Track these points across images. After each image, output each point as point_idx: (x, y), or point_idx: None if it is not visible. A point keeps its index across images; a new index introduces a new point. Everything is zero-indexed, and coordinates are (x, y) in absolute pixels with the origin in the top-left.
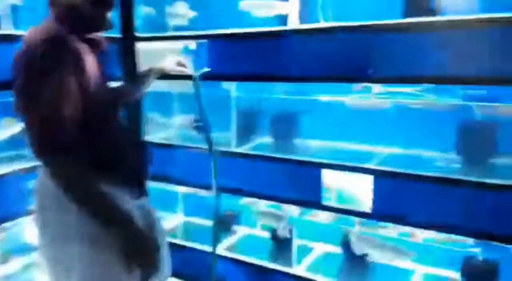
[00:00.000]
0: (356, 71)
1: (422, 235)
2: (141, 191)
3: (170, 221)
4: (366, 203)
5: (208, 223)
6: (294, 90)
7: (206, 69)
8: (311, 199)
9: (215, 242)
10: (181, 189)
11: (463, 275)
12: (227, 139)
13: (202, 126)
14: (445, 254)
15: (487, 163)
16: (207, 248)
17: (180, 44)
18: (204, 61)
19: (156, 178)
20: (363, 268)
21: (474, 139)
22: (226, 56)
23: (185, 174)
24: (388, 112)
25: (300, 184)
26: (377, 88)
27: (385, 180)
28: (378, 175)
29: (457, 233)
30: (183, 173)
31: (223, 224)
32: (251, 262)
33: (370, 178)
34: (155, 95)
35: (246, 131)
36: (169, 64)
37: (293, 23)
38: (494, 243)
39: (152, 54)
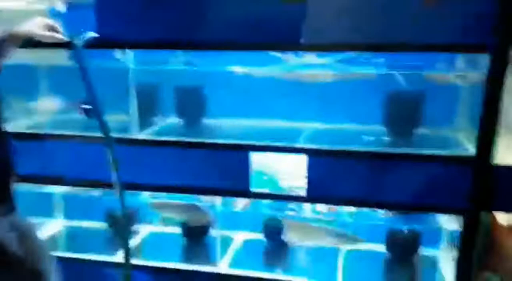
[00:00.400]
0: (275, 37)
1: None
2: (8, 204)
3: (49, 228)
4: (299, 186)
5: (98, 225)
6: (203, 61)
7: (92, 34)
8: (239, 187)
9: (127, 252)
10: (59, 189)
11: (387, 247)
12: (125, 123)
13: (92, 109)
14: (369, 229)
15: (415, 133)
16: (103, 258)
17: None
18: (86, 24)
19: (25, 179)
20: (288, 253)
21: (400, 110)
22: (118, 16)
23: (67, 170)
24: (307, 85)
25: (224, 171)
26: (292, 59)
27: (319, 160)
28: (312, 154)
29: (388, 208)
30: (63, 169)
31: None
32: (162, 267)
33: (303, 158)
34: (16, 70)
35: (148, 112)
36: (35, 27)
37: None
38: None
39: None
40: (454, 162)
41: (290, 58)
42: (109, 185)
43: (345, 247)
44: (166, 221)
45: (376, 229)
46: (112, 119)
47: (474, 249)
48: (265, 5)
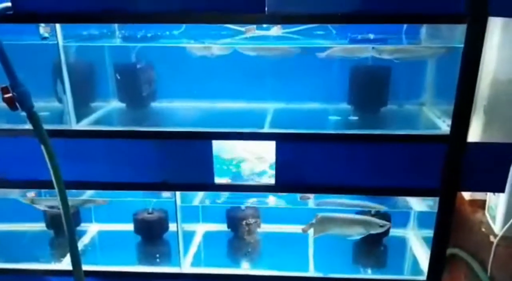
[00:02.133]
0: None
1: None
2: None
3: None
4: (268, 175)
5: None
6: (142, 35)
7: (6, 5)
8: (202, 179)
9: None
10: None
11: None
12: (58, 111)
13: (18, 96)
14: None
15: (382, 111)
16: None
17: None
18: None
19: None
20: (255, 243)
21: (365, 86)
22: None
23: None
24: (266, 61)
25: (183, 164)
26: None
27: (287, 145)
28: (280, 139)
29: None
30: None
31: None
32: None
33: (271, 144)
34: None
35: (85, 97)
36: None
37: None
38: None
39: None
40: (428, 141)
41: (249, 30)
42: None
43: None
44: None
45: (343, 212)
46: (42, 107)
47: (449, 229)
48: None
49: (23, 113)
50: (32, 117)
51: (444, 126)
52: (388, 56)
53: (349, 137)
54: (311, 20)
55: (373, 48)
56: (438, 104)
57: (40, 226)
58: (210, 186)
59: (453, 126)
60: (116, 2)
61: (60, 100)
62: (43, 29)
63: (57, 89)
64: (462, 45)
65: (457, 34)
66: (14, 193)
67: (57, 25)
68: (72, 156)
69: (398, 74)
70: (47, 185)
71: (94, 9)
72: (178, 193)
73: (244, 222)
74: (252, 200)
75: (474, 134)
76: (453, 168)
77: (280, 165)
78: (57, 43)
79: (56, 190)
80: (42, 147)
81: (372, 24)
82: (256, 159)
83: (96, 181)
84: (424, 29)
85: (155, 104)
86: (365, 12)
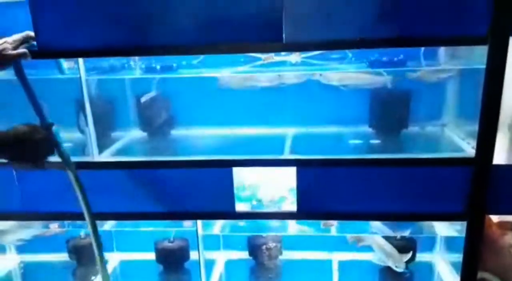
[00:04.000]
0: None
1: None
2: None
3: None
4: (289, 201)
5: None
6: (162, 65)
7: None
8: (222, 208)
9: None
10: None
11: None
12: (81, 142)
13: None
14: None
15: (403, 133)
16: None
17: None
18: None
19: None
20: (277, 270)
21: (386, 109)
22: (60, 17)
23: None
24: (285, 86)
25: (205, 191)
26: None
27: (308, 171)
28: (301, 165)
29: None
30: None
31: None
32: None
33: (292, 171)
34: None
35: (107, 127)
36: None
37: None
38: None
39: None
40: (453, 164)
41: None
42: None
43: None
44: None
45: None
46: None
47: (478, 253)
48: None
49: None
50: (60, 149)
51: (468, 148)
52: (336, 83)
53: (371, 162)
54: (328, 47)
55: (320, 75)
56: (460, 125)
57: (62, 256)
58: (231, 215)
59: (478, 149)
60: (136, 36)
61: (82, 131)
62: (66, 63)
63: (79, 121)
64: (482, 66)
65: (476, 54)
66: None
67: (80, 60)
68: (95, 187)
69: (418, 96)
70: (74, 216)
71: (116, 43)
72: (199, 222)
73: (264, 247)
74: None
75: (500, 152)
76: (480, 192)
77: (301, 192)
78: (80, 77)
79: (87, 221)
80: (72, 180)
81: (392, 48)
82: (277, 185)
83: (119, 212)
84: (442, 50)
85: (175, 132)
86: (383, 36)
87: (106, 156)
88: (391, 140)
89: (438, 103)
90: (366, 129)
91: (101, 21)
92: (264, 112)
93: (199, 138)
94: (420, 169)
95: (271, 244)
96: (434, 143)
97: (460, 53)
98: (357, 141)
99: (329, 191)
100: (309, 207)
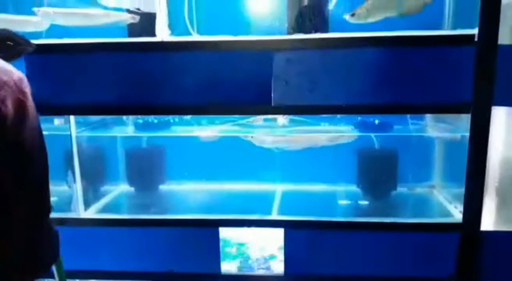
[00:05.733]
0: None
1: None
2: None
3: None
4: (278, 259)
5: None
6: (152, 122)
7: None
8: (207, 268)
9: None
10: None
11: None
12: (67, 196)
13: None
14: None
15: (391, 194)
16: None
17: None
18: None
19: None
20: None
21: (373, 170)
22: (52, 76)
23: None
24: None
25: (189, 251)
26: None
27: (296, 233)
28: (289, 227)
29: None
30: None
31: None
32: None
33: (279, 232)
34: None
35: (95, 182)
36: None
37: (163, 33)
38: None
39: None
40: (440, 230)
41: (256, 119)
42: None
43: None
44: None
45: None
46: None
47: None
48: (226, 65)
49: None
50: None
51: (456, 212)
52: (269, 145)
53: (360, 226)
54: (315, 111)
55: (251, 137)
56: (448, 187)
57: None
58: (216, 277)
59: (465, 214)
60: (129, 97)
61: (70, 186)
62: (57, 120)
63: (68, 176)
64: (467, 134)
65: (462, 119)
66: None
67: (71, 117)
68: (79, 244)
69: (405, 158)
70: None
71: (107, 101)
72: None
73: None
74: None
75: (488, 216)
76: (467, 258)
77: (289, 254)
78: (70, 134)
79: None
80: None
81: (378, 114)
82: (265, 243)
83: (102, 270)
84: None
85: (163, 187)
86: (370, 103)
87: (92, 212)
88: (380, 202)
89: (426, 164)
90: (354, 188)
91: (93, 81)
92: (253, 168)
93: (187, 193)
94: (409, 233)
95: None
96: (422, 206)
97: (446, 117)
98: (345, 202)
99: (316, 253)
100: (297, 270)
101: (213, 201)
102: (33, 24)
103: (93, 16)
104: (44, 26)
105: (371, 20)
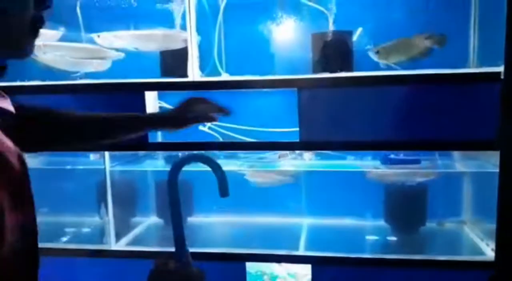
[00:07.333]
0: None
1: None
2: None
3: None
4: None
5: None
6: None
7: None
8: None
9: None
10: None
11: None
12: (98, 227)
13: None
14: None
15: (420, 230)
16: None
17: None
18: None
19: None
20: None
21: (402, 205)
22: None
23: None
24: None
25: None
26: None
27: (324, 269)
28: (316, 263)
29: None
30: None
31: None
32: None
33: (307, 268)
34: None
35: (126, 214)
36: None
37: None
38: None
39: None
40: (471, 268)
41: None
42: None
43: None
44: None
45: None
46: (84, 222)
47: None
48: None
49: None
50: None
51: (488, 250)
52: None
53: (388, 262)
54: (342, 147)
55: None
56: (479, 222)
57: None
58: None
59: (497, 253)
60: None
61: (101, 217)
62: (93, 155)
63: (100, 208)
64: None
65: (490, 154)
66: None
67: (106, 152)
68: (111, 275)
69: (435, 192)
70: None
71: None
72: None
73: None
74: None
75: None
76: None
77: None
78: (104, 168)
79: None
80: None
81: (406, 151)
82: (291, 276)
83: None
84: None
85: (192, 219)
86: (398, 139)
87: (122, 245)
88: (408, 238)
89: (456, 199)
90: (382, 223)
91: None
92: (280, 201)
93: (214, 226)
94: (438, 271)
95: None
96: (452, 242)
97: (474, 153)
98: (373, 237)
99: None
100: None
101: (240, 234)
102: None
103: (86, 50)
104: None
105: (391, 60)
